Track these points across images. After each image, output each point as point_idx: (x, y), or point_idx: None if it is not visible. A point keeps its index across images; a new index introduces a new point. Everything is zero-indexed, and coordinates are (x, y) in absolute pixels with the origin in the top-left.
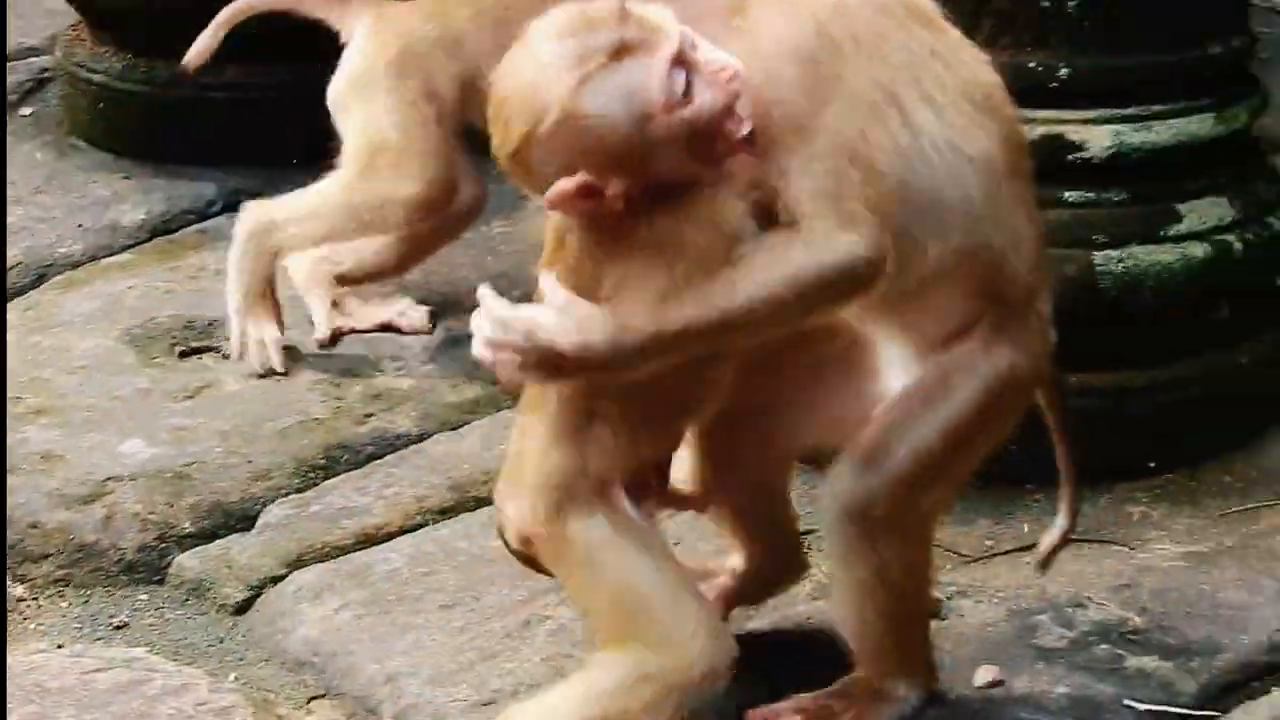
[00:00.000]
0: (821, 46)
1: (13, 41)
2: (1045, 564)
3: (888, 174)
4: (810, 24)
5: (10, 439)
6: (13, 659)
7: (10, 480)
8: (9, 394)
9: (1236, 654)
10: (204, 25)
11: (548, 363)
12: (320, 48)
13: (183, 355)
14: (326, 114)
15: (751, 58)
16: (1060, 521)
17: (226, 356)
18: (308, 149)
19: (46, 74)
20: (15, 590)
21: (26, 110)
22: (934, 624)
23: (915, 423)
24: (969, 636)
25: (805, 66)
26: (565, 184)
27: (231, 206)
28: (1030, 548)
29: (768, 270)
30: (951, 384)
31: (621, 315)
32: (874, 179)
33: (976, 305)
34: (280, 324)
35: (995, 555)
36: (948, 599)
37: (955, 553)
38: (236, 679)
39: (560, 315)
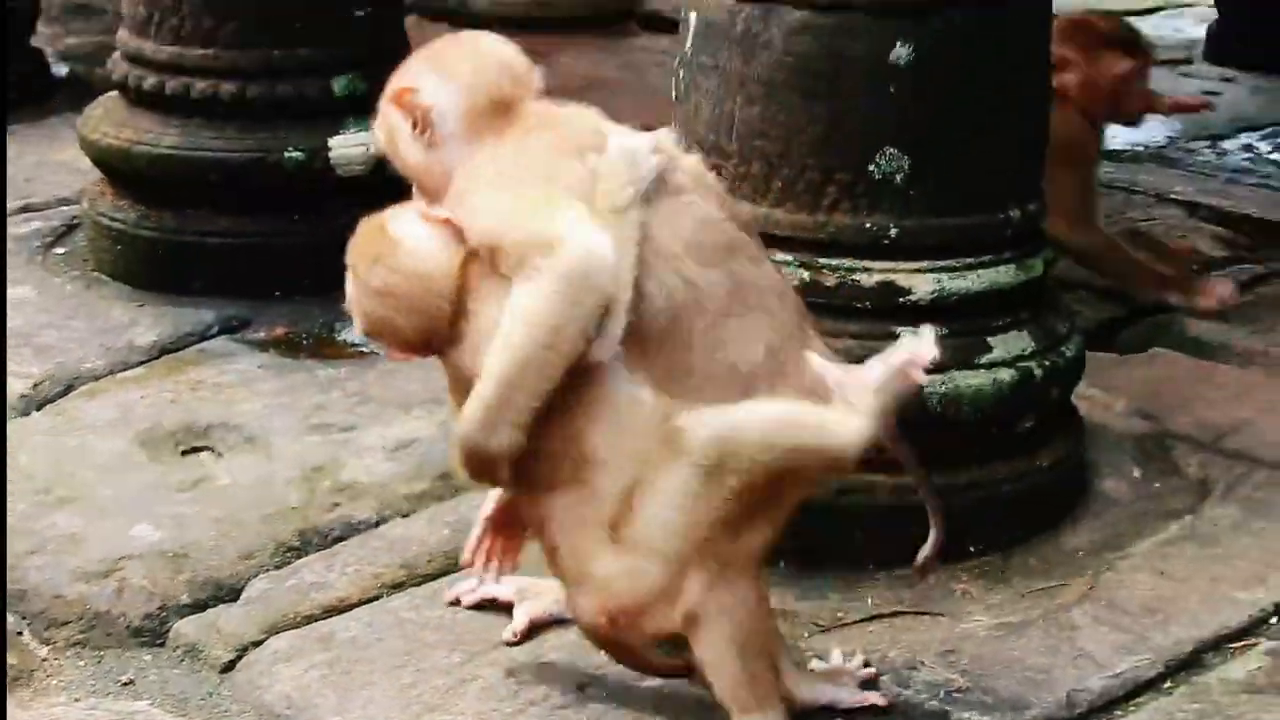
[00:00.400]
0: (508, 175)
1: (48, 193)
2: (924, 571)
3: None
4: (496, 164)
5: (40, 524)
6: (36, 712)
7: (39, 558)
8: (41, 486)
9: (1040, 709)
10: (197, 185)
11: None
12: (295, 203)
13: (184, 454)
14: (301, 256)
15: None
16: (932, 535)
17: (220, 455)
18: (286, 285)
19: (75, 220)
20: (41, 652)
21: (59, 250)
22: None
23: None
24: None
25: (498, 193)
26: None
27: (226, 330)
28: (873, 619)
29: (529, 310)
30: None
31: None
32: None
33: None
34: None
35: (845, 624)
36: (806, 661)
37: (813, 622)
38: None
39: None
